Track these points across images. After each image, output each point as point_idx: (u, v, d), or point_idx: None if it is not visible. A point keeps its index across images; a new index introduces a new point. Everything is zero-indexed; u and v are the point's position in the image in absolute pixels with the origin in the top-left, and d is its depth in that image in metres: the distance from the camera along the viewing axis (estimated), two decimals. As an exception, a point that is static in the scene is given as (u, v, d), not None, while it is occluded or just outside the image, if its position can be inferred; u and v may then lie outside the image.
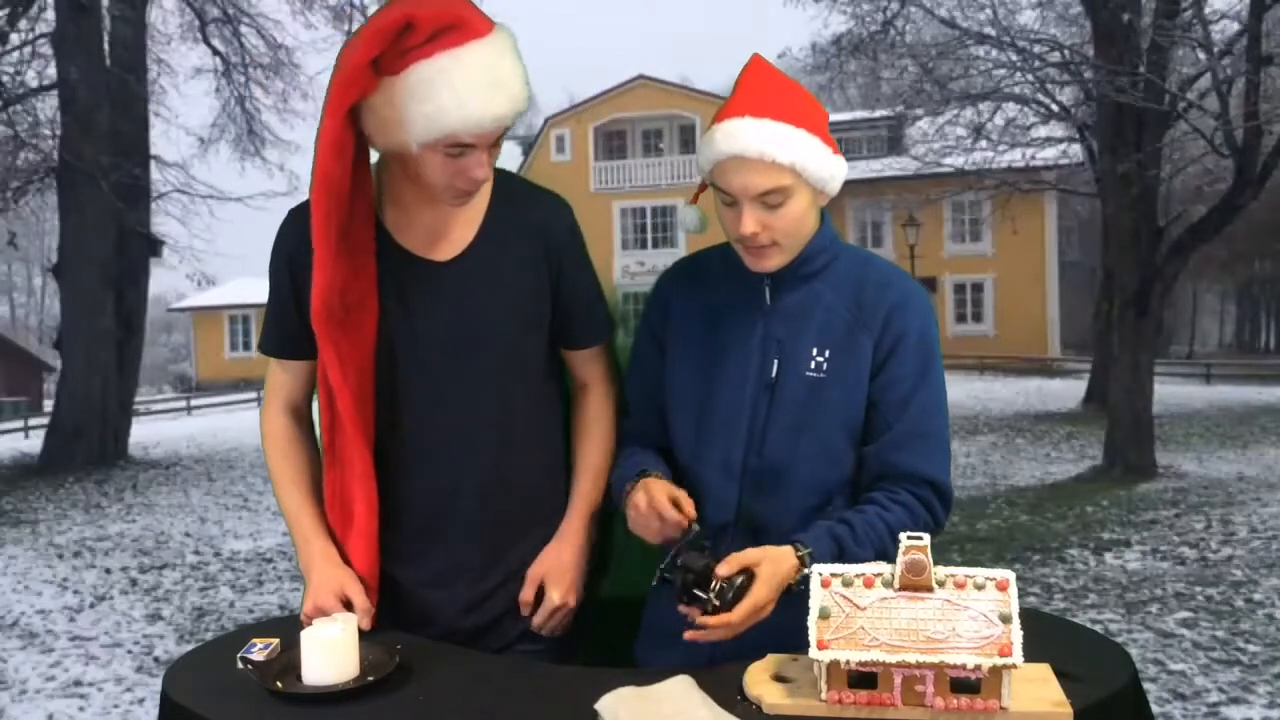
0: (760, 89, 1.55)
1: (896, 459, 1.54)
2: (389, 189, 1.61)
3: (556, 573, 1.64)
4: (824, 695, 1.26)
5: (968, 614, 1.24)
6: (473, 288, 1.60)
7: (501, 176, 1.67)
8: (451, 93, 1.43)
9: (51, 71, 13.48)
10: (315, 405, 1.70)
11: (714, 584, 1.39)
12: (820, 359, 1.55)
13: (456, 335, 1.60)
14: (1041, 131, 16.51)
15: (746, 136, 1.49)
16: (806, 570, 1.42)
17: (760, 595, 1.40)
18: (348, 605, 1.55)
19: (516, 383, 1.64)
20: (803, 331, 1.57)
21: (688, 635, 1.42)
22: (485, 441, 1.62)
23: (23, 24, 13.30)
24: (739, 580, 1.40)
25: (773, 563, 1.43)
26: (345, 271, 1.53)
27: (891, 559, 1.30)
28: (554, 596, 1.62)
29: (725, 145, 1.51)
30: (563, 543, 1.66)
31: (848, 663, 1.24)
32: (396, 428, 1.61)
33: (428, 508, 1.63)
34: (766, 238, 1.53)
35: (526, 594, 1.64)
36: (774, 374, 1.57)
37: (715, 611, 1.39)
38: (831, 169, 1.53)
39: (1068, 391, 19.93)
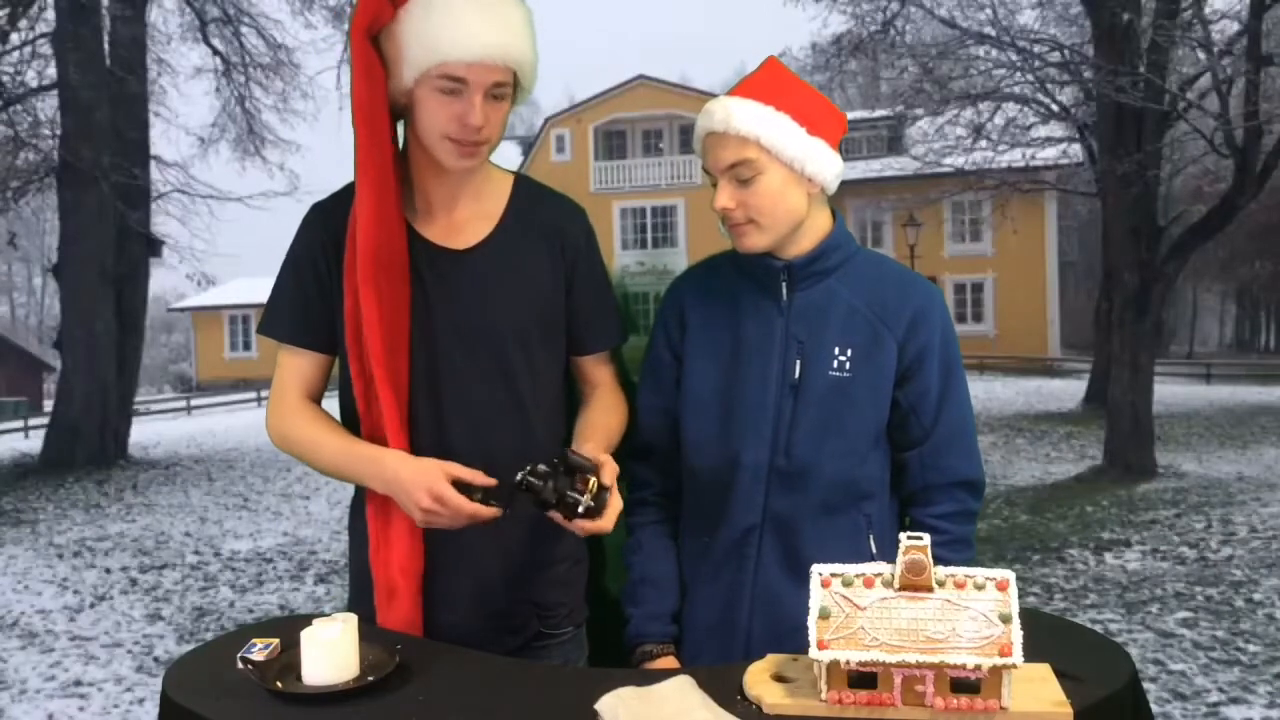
0: (752, 78, 1.59)
1: (941, 464, 1.59)
2: (412, 179, 1.63)
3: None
4: (824, 695, 1.26)
5: (968, 614, 1.24)
6: (488, 278, 1.61)
7: (521, 179, 1.70)
8: (446, 12, 1.48)
9: (51, 71, 13.46)
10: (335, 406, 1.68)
11: (590, 487, 1.43)
12: (843, 358, 1.57)
13: (470, 323, 1.60)
14: (1041, 131, 16.48)
15: (716, 112, 1.56)
16: None
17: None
18: (461, 487, 1.48)
19: (530, 378, 1.63)
20: (823, 331, 1.58)
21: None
22: (500, 431, 1.61)
23: (23, 24, 13.27)
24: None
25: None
26: (389, 227, 1.55)
27: None
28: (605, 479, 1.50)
29: (702, 123, 1.58)
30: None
31: (848, 663, 1.24)
32: (413, 416, 1.60)
33: None
34: (742, 215, 1.55)
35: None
36: (797, 374, 1.57)
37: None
38: (807, 150, 1.54)
39: (1068, 391, 19.93)
